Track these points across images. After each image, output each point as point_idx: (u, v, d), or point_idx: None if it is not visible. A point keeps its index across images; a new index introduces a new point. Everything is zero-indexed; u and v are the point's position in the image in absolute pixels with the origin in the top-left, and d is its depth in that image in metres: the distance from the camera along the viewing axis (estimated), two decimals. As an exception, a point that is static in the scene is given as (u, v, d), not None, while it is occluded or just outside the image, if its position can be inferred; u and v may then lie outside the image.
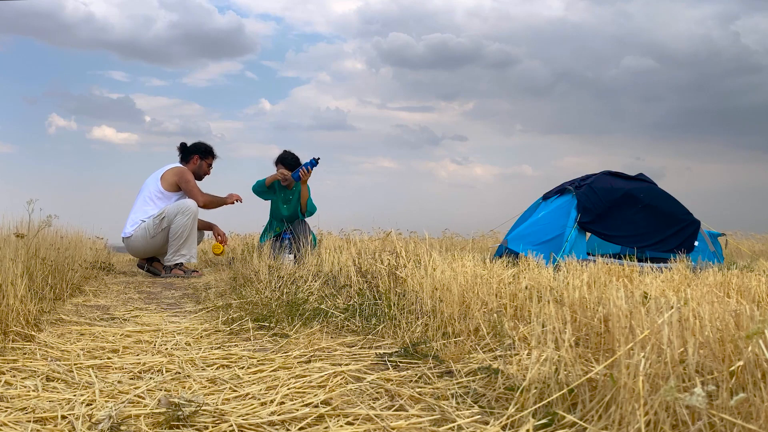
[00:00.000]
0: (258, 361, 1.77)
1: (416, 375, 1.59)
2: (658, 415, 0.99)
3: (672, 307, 1.16)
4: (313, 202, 5.20)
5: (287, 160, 5.04)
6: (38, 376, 1.56)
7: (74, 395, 1.40)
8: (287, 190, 5.14)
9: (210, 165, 5.12)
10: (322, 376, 1.57)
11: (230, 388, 1.49)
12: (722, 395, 0.99)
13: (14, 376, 1.56)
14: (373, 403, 1.36)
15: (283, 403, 1.35)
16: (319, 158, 4.93)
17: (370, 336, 2.12)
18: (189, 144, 5.11)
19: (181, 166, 4.97)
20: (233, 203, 5.03)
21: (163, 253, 4.88)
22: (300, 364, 1.72)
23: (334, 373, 1.60)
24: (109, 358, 1.80)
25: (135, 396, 1.40)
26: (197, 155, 5.05)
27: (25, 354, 1.83)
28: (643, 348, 1.09)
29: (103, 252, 6.08)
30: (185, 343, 2.04)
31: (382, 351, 1.90)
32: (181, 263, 4.82)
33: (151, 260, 5.06)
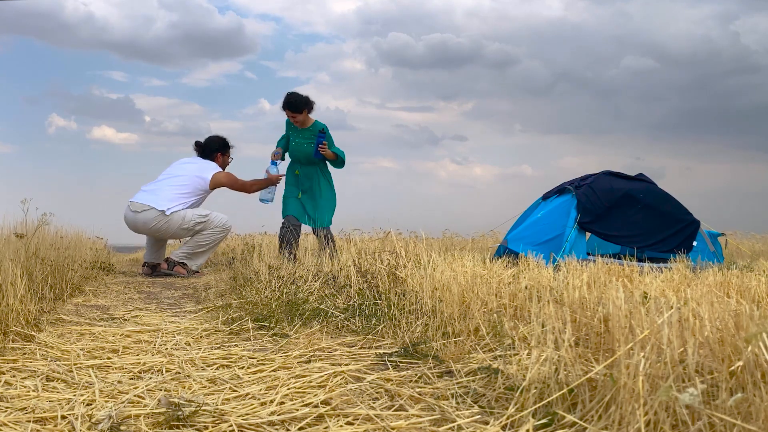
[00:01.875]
0: (258, 361, 1.77)
1: (416, 375, 1.59)
2: (658, 415, 0.99)
3: (672, 307, 1.16)
4: (337, 148, 4.86)
5: (292, 104, 4.77)
6: (38, 376, 1.56)
7: (74, 395, 1.40)
8: (299, 130, 4.90)
9: (230, 155, 5.26)
10: (322, 376, 1.57)
11: (230, 388, 1.49)
12: (722, 395, 0.99)
13: (14, 376, 1.56)
14: (373, 403, 1.36)
15: (283, 403, 1.35)
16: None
17: (370, 336, 2.12)
18: (203, 141, 5.21)
19: (222, 171, 5.05)
20: (276, 182, 5.08)
21: (167, 238, 4.97)
22: (300, 364, 1.72)
23: (334, 373, 1.60)
24: (109, 358, 1.80)
25: (135, 396, 1.40)
26: (219, 152, 5.17)
27: (25, 354, 1.83)
28: (642, 348, 1.09)
29: (103, 252, 6.08)
30: (185, 343, 2.04)
31: (382, 351, 1.90)
32: (186, 263, 4.86)
33: (154, 267, 5.10)
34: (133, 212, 4.72)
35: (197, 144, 5.21)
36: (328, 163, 4.94)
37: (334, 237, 4.79)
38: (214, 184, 4.93)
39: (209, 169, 4.97)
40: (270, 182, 5.03)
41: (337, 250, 3.97)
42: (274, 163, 5.01)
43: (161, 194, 4.74)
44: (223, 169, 5.15)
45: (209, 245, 4.87)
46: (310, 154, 4.83)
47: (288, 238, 4.68)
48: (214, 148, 5.15)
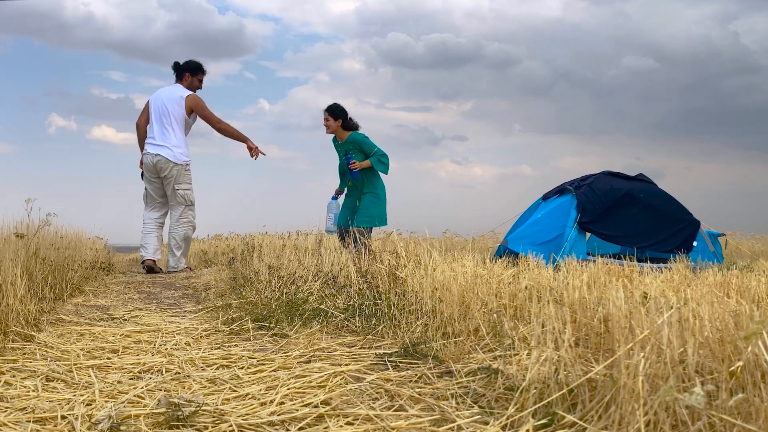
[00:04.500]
0: (258, 361, 1.77)
1: (416, 375, 1.59)
2: (658, 415, 0.99)
3: (672, 307, 1.16)
4: (378, 161, 4.94)
5: (331, 107, 5.03)
6: (38, 376, 1.56)
7: (74, 395, 1.40)
8: (338, 144, 5.12)
9: (201, 81, 5.48)
10: (321, 376, 1.57)
11: (230, 388, 1.49)
12: (722, 395, 0.99)
13: (14, 376, 1.56)
14: (373, 403, 1.36)
15: (282, 403, 1.35)
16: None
17: (370, 336, 2.12)
18: (181, 63, 5.46)
19: (189, 93, 5.34)
20: (254, 152, 5.36)
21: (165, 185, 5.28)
22: (300, 365, 1.72)
23: (333, 373, 1.60)
24: (109, 358, 1.80)
25: (135, 396, 1.40)
26: (188, 72, 5.42)
27: (25, 354, 1.83)
28: (642, 348, 1.09)
29: (103, 252, 6.08)
30: (185, 344, 2.04)
31: (382, 351, 1.90)
32: (184, 267, 5.37)
33: (153, 264, 5.32)
34: (152, 156, 5.22)
35: (175, 64, 5.48)
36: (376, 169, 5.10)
37: (365, 238, 4.80)
38: (188, 108, 5.28)
39: (176, 93, 5.32)
40: (243, 140, 5.36)
41: (363, 251, 3.99)
42: (334, 198, 5.25)
43: (170, 139, 5.21)
44: (194, 91, 5.43)
45: (186, 243, 5.41)
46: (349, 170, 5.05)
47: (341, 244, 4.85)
48: (184, 68, 5.44)
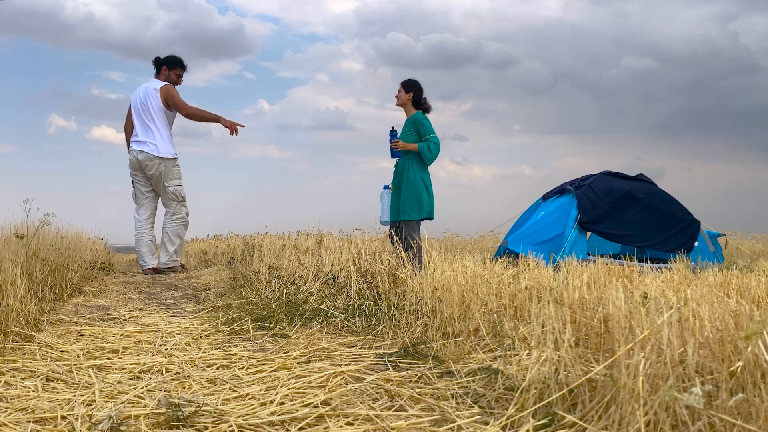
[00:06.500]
0: (258, 361, 1.77)
1: (416, 375, 1.59)
2: (658, 415, 0.99)
3: (672, 308, 1.16)
4: (428, 148, 4.37)
5: (405, 80, 4.59)
6: (38, 377, 1.56)
7: (74, 395, 1.40)
8: (404, 121, 4.62)
9: (179, 75, 5.49)
10: (321, 377, 1.57)
11: (230, 388, 1.49)
12: (722, 395, 0.99)
13: (14, 377, 1.56)
14: (373, 403, 1.36)
15: (283, 403, 1.35)
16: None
17: (370, 336, 2.12)
18: (162, 57, 5.49)
19: (163, 84, 5.36)
20: (231, 128, 5.29)
21: (155, 182, 5.29)
22: (300, 365, 1.72)
23: (334, 373, 1.60)
24: (109, 359, 1.80)
25: (135, 396, 1.40)
26: (165, 66, 5.45)
27: (25, 354, 1.83)
28: (642, 348, 1.09)
29: (103, 252, 6.09)
30: (185, 344, 2.04)
31: (382, 351, 1.90)
32: (176, 264, 5.39)
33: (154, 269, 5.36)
34: (137, 153, 5.22)
35: (156, 59, 5.51)
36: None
37: (416, 234, 4.28)
38: (163, 101, 5.29)
39: (152, 88, 5.33)
40: (215, 120, 5.35)
41: (414, 253, 3.48)
42: (386, 186, 4.62)
43: (158, 137, 5.22)
44: (173, 85, 5.45)
45: (180, 239, 5.44)
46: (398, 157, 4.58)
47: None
48: (162, 62, 5.47)
